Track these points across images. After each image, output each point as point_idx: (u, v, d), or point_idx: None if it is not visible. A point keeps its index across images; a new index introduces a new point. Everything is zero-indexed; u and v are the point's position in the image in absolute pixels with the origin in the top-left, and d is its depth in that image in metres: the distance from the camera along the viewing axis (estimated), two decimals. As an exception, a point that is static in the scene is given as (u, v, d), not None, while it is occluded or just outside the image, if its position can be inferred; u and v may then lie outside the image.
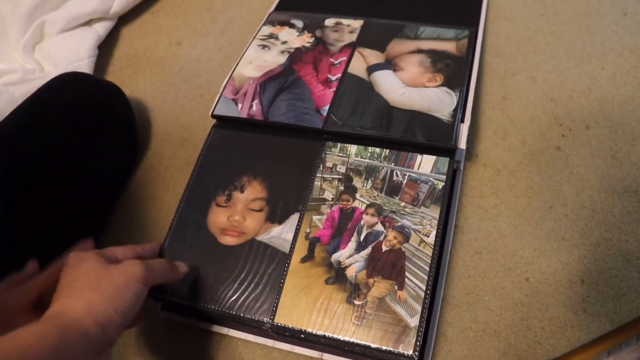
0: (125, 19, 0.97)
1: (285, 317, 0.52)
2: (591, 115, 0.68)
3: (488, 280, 0.58)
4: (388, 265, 0.53)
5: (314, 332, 0.51)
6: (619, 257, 0.57)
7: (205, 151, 0.67)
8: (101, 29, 0.90)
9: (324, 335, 0.51)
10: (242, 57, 0.75)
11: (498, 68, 0.75)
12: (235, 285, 0.55)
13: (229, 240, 0.59)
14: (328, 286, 0.53)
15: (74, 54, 0.84)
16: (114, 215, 0.72)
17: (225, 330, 0.58)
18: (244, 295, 0.55)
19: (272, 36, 0.78)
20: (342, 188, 0.60)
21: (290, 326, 0.52)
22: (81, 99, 0.67)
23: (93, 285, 0.43)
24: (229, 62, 0.85)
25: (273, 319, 0.52)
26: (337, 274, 0.54)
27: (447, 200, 0.57)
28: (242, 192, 0.62)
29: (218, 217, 0.61)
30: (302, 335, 0.52)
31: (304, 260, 0.56)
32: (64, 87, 0.68)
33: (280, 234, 0.58)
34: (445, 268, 0.58)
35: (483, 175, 0.65)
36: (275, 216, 0.59)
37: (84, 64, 0.84)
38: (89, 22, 0.91)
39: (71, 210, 0.64)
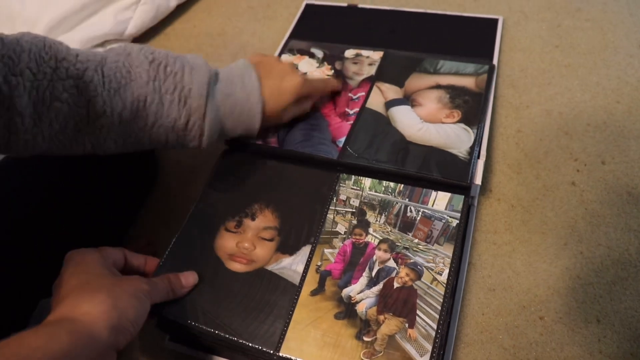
0: (136, 41, 0.97)
1: (292, 350, 0.51)
2: (607, 150, 0.67)
3: (502, 318, 0.57)
4: (399, 302, 0.52)
5: (321, 367, 0.50)
6: (636, 296, 0.56)
7: (216, 172, 0.66)
8: (115, 52, 0.90)
9: (332, 371, 0.50)
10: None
11: (513, 100, 0.75)
12: (242, 312, 0.54)
13: (236, 266, 0.58)
14: (337, 321, 0.52)
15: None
16: (124, 241, 0.71)
17: (233, 364, 0.57)
18: (251, 324, 0.53)
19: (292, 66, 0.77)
20: (355, 222, 0.59)
21: None
22: None
23: (107, 292, 0.44)
24: (241, 87, 0.85)
25: (279, 351, 0.51)
26: (347, 309, 0.53)
27: (461, 239, 0.56)
28: (253, 219, 0.61)
29: (226, 242, 0.60)
30: (310, 370, 0.51)
31: (313, 293, 0.55)
32: None
33: (291, 265, 0.57)
34: (458, 305, 0.57)
35: (497, 211, 0.65)
36: (287, 247, 0.59)
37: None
38: (102, 44, 0.91)
39: (82, 237, 0.63)
